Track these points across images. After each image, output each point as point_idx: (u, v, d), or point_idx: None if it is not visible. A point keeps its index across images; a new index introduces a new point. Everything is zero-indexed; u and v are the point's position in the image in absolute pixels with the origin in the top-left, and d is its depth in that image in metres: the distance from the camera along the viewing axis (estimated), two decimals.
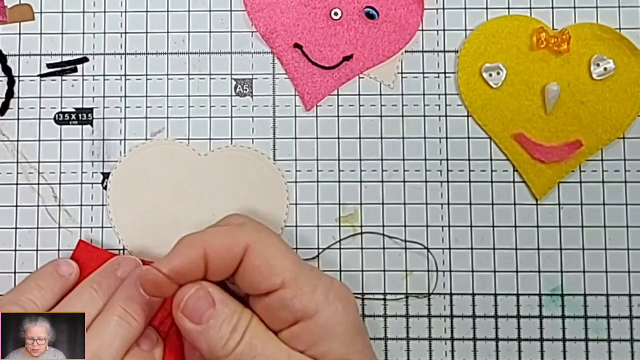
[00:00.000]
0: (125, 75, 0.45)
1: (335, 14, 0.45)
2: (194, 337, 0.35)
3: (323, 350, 0.35)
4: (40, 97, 0.45)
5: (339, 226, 0.44)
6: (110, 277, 0.40)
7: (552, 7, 0.45)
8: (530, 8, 0.45)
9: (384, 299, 0.44)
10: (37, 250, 0.44)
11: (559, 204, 0.44)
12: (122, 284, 0.39)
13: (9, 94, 0.45)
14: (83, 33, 0.45)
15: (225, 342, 0.35)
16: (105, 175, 0.44)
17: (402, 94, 0.45)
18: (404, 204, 0.44)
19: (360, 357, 0.36)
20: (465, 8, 0.45)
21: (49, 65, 0.45)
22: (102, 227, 0.44)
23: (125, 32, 0.45)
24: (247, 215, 0.39)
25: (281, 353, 0.35)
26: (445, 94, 0.45)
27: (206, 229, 0.37)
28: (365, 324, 0.38)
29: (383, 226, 0.44)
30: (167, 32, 0.45)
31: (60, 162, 0.45)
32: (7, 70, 0.45)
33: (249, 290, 0.36)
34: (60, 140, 0.45)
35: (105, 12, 0.46)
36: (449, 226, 0.44)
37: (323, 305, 0.35)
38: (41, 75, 0.45)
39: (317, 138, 0.45)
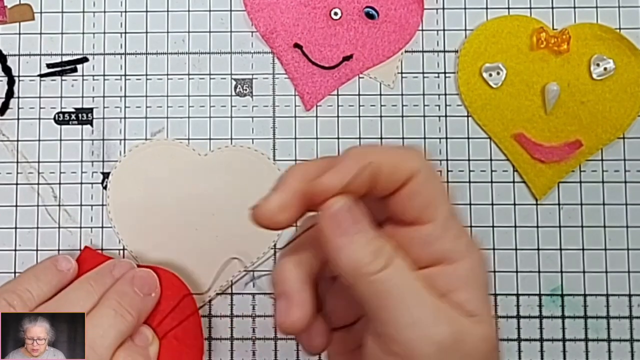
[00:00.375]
0: (125, 75, 0.45)
1: (335, 14, 0.45)
2: (336, 250, 0.32)
3: (461, 299, 0.32)
4: (40, 97, 0.45)
5: None
6: (105, 275, 0.40)
7: (552, 7, 0.45)
8: (530, 8, 0.45)
9: None
10: (37, 250, 0.44)
11: (559, 204, 0.44)
12: (118, 281, 0.40)
13: (9, 94, 0.45)
14: (83, 33, 0.45)
15: (368, 262, 0.32)
16: (105, 175, 0.44)
17: (402, 94, 0.45)
18: None
19: (488, 316, 0.33)
20: (465, 8, 0.45)
21: (49, 65, 0.45)
22: (102, 227, 0.44)
23: (125, 32, 0.45)
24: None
25: (424, 290, 0.32)
26: (445, 94, 0.45)
27: (371, 145, 0.36)
28: None
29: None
30: (167, 32, 0.45)
31: (60, 162, 0.45)
32: (7, 70, 0.45)
33: (397, 214, 0.33)
34: (60, 140, 0.45)
35: (105, 12, 0.46)
36: None
37: (465, 254, 0.32)
38: (41, 75, 0.45)
39: (317, 138, 0.45)
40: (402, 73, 0.45)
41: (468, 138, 0.45)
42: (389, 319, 0.31)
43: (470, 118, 0.45)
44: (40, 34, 0.45)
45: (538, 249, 0.44)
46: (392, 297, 0.32)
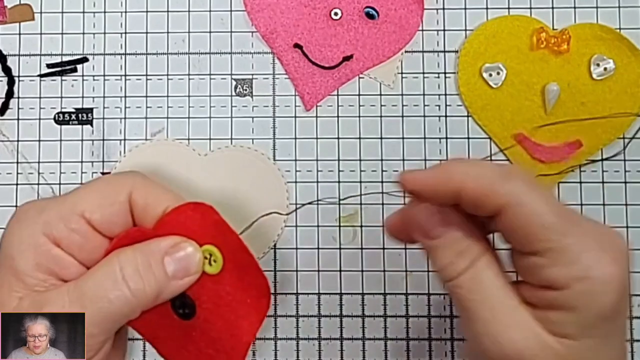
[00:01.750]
0: (125, 75, 0.45)
1: (335, 14, 0.45)
2: (427, 251, 0.34)
3: (554, 319, 0.31)
4: (40, 97, 0.45)
5: (339, 226, 0.44)
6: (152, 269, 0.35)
7: (552, 7, 0.45)
8: (530, 8, 0.45)
9: (384, 299, 0.44)
10: None
11: None
12: (149, 243, 0.35)
13: (9, 94, 0.45)
14: (83, 33, 0.46)
15: (448, 265, 0.33)
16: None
17: (402, 94, 0.45)
18: (404, 204, 0.44)
19: (591, 344, 0.32)
20: (465, 8, 0.45)
21: (49, 66, 0.45)
22: None
23: (125, 32, 0.45)
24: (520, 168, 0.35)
25: (505, 303, 0.32)
26: (445, 94, 0.45)
27: (472, 163, 0.34)
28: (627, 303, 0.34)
29: (383, 226, 0.44)
30: (167, 32, 0.45)
31: (60, 162, 0.45)
32: (7, 70, 0.45)
33: (505, 240, 0.34)
34: (60, 140, 0.45)
35: (105, 12, 0.46)
36: None
37: (576, 281, 0.31)
38: (41, 75, 0.45)
39: (317, 138, 0.45)
40: (402, 73, 0.45)
41: (468, 138, 0.45)
42: (470, 319, 0.32)
43: (470, 118, 0.45)
44: (40, 34, 0.45)
45: None
46: (471, 299, 0.32)
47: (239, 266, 0.36)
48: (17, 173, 0.45)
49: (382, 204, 0.44)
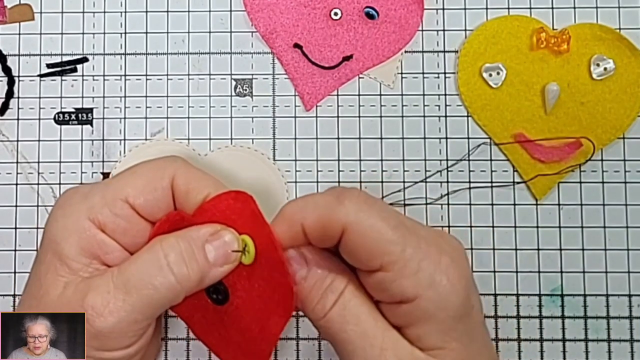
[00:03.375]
0: (125, 75, 0.45)
1: (335, 14, 0.45)
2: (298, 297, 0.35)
3: (419, 333, 0.33)
4: (40, 97, 0.45)
5: None
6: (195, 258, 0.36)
7: (552, 7, 0.45)
8: (530, 8, 0.45)
9: None
10: (37, 250, 0.44)
11: (559, 204, 0.44)
12: (190, 230, 0.36)
13: (9, 94, 0.45)
14: (83, 33, 0.45)
15: (317, 304, 0.34)
16: (105, 175, 0.44)
17: (402, 94, 0.45)
18: (404, 204, 0.44)
19: (457, 346, 0.33)
20: (465, 8, 0.45)
21: (49, 65, 0.45)
22: None
23: (125, 32, 0.45)
24: (356, 189, 0.35)
25: (376, 327, 0.33)
26: (445, 94, 0.45)
27: (307, 198, 0.34)
28: (478, 301, 0.35)
29: None
30: (167, 32, 0.45)
31: (60, 162, 0.45)
32: (7, 70, 0.45)
33: (352, 264, 0.34)
34: (60, 140, 0.45)
35: (105, 12, 0.46)
36: (449, 226, 0.44)
37: (425, 289, 0.32)
38: (41, 75, 0.45)
39: (317, 138, 0.45)
40: (402, 73, 0.45)
41: (468, 138, 0.45)
42: (346, 351, 0.33)
43: (470, 118, 0.45)
44: (40, 34, 0.45)
45: (538, 249, 0.44)
46: (344, 330, 0.33)
47: (270, 261, 0.36)
48: (17, 173, 0.45)
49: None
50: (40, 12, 0.46)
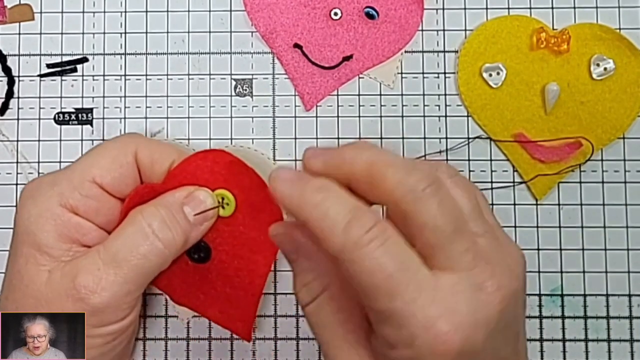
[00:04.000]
0: (125, 75, 0.45)
1: (335, 14, 0.45)
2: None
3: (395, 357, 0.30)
4: (40, 97, 0.45)
5: None
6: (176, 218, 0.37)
7: (552, 7, 0.45)
8: (530, 8, 0.45)
9: None
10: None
11: (559, 204, 0.44)
12: (167, 194, 0.37)
13: (9, 94, 0.45)
14: (83, 33, 0.45)
15: (299, 292, 0.33)
16: None
17: (402, 94, 0.45)
18: None
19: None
20: (465, 8, 0.45)
21: (49, 65, 0.45)
22: None
23: (125, 32, 0.45)
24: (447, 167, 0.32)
25: (342, 340, 0.32)
26: (445, 94, 0.45)
27: (376, 152, 0.31)
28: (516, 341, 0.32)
29: None
30: (167, 32, 0.45)
31: (60, 162, 0.45)
32: (7, 70, 0.45)
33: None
34: (60, 140, 0.45)
35: (105, 12, 0.46)
36: None
37: (402, 346, 0.29)
38: (41, 75, 0.45)
39: (317, 138, 0.45)
40: (402, 73, 0.45)
41: (468, 138, 0.45)
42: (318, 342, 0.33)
43: (470, 118, 0.45)
44: (40, 34, 0.45)
45: (538, 249, 0.44)
46: (315, 328, 0.33)
47: (254, 203, 0.38)
48: (17, 173, 0.45)
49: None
50: (40, 12, 0.46)
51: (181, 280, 0.39)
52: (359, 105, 0.45)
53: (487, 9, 0.45)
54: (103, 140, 0.45)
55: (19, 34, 0.45)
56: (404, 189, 0.29)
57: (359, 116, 0.45)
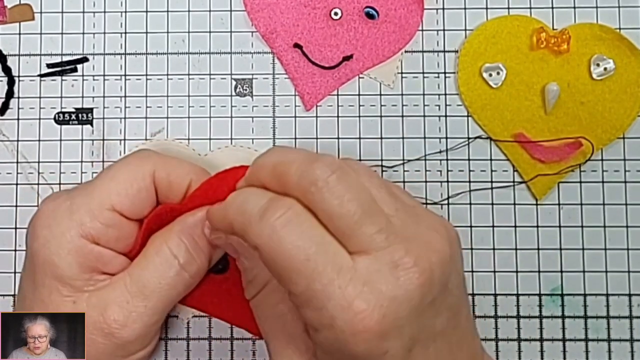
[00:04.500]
0: (125, 75, 0.45)
1: (335, 14, 0.45)
2: None
3: (318, 356, 0.32)
4: (40, 97, 0.45)
5: None
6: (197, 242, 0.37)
7: (552, 7, 0.45)
8: (530, 8, 0.45)
9: None
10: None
11: (559, 204, 0.44)
12: (187, 217, 0.37)
13: (9, 94, 0.45)
14: (83, 33, 0.45)
15: (245, 287, 0.35)
16: None
17: (402, 94, 0.45)
18: None
19: None
20: (465, 8, 0.45)
21: (49, 65, 0.45)
22: None
23: (125, 32, 0.45)
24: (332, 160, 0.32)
25: (281, 332, 0.34)
26: (445, 94, 0.45)
27: (289, 153, 0.33)
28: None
29: None
30: (167, 32, 0.45)
31: (60, 162, 0.45)
32: (7, 70, 0.45)
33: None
34: (60, 140, 0.45)
35: (105, 12, 0.46)
36: None
37: (323, 327, 0.30)
38: (41, 75, 0.45)
39: (317, 138, 0.45)
40: (402, 73, 0.45)
41: (468, 138, 0.45)
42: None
43: (470, 118, 0.45)
44: (40, 34, 0.45)
45: (538, 249, 0.44)
46: (260, 321, 0.35)
47: None
48: (17, 173, 0.45)
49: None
50: (40, 12, 0.46)
51: (212, 295, 0.40)
52: (359, 105, 0.45)
53: (487, 9, 0.45)
54: (103, 140, 0.45)
55: (19, 34, 0.45)
56: (307, 181, 0.30)
57: (359, 116, 0.45)
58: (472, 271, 0.44)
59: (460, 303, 0.34)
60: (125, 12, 0.46)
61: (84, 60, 0.45)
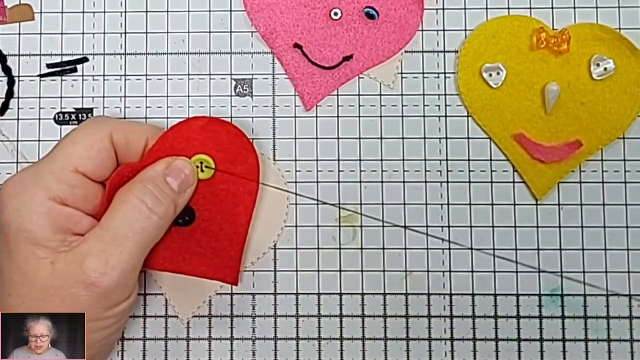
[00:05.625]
0: (125, 75, 0.45)
1: (335, 14, 0.45)
2: None
3: None
4: (40, 97, 0.45)
5: (339, 226, 0.44)
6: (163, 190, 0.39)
7: (552, 7, 0.45)
8: (530, 8, 0.45)
9: (384, 299, 0.44)
10: None
11: (559, 204, 0.44)
12: (149, 168, 0.39)
13: (9, 94, 0.45)
14: (83, 33, 0.45)
15: None
16: None
17: (402, 94, 0.45)
18: (404, 204, 0.44)
19: None
20: (465, 8, 0.45)
21: (49, 65, 0.45)
22: None
23: (125, 32, 0.45)
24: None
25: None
26: (445, 94, 0.45)
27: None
28: None
29: (383, 227, 0.44)
30: (167, 32, 0.45)
31: None
32: (7, 70, 0.45)
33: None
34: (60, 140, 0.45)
35: (105, 12, 0.46)
36: (448, 226, 0.44)
37: None
38: (41, 75, 0.45)
39: (317, 138, 0.45)
40: (402, 73, 0.45)
41: (468, 138, 0.45)
42: None
43: (470, 118, 0.45)
44: (40, 34, 0.45)
45: (538, 249, 0.44)
46: None
47: (232, 156, 0.41)
48: None
49: (382, 204, 0.44)
50: (40, 12, 0.46)
51: (165, 247, 0.41)
52: (359, 105, 0.45)
53: (487, 9, 0.45)
54: None
55: (19, 34, 0.45)
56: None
57: (359, 116, 0.45)
58: (472, 271, 0.44)
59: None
60: (125, 12, 0.46)
61: (84, 60, 0.45)
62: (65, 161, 0.38)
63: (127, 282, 0.37)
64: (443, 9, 0.45)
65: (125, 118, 0.45)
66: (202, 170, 0.40)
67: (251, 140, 0.41)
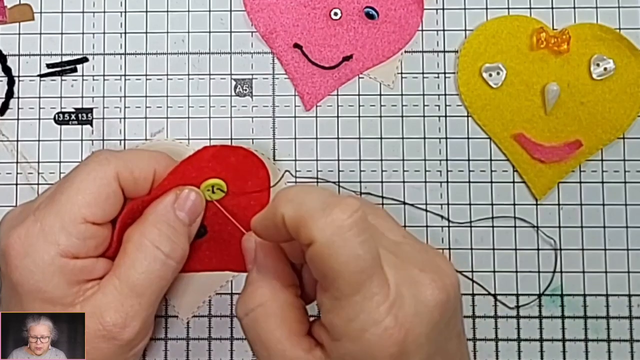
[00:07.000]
0: (125, 75, 0.45)
1: (335, 14, 0.45)
2: None
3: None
4: (40, 97, 0.45)
5: None
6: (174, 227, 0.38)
7: (552, 7, 0.45)
8: (530, 8, 0.45)
9: None
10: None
11: (558, 204, 0.44)
12: (158, 204, 0.38)
13: (9, 94, 0.45)
14: (83, 33, 0.45)
15: (239, 298, 0.35)
16: None
17: (402, 94, 0.45)
18: (404, 204, 0.44)
19: None
20: (465, 8, 0.45)
21: (48, 65, 0.45)
22: None
23: (125, 32, 0.45)
24: (355, 199, 0.32)
25: (282, 354, 0.33)
26: (445, 94, 0.45)
27: (299, 192, 0.32)
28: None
29: None
30: (167, 32, 0.45)
31: (60, 162, 0.45)
32: (7, 70, 0.45)
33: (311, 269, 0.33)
34: (60, 140, 0.45)
35: (105, 12, 0.46)
36: (448, 226, 0.44)
37: (347, 340, 0.30)
38: (41, 75, 0.45)
39: (317, 138, 0.45)
40: (402, 73, 0.45)
41: (468, 138, 0.45)
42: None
43: (470, 118, 0.45)
44: (40, 34, 0.45)
45: (538, 249, 0.44)
46: (250, 338, 0.34)
47: (242, 174, 0.41)
48: (17, 173, 0.45)
49: (382, 204, 0.44)
50: (40, 12, 0.46)
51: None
52: (359, 105, 0.45)
53: (487, 9, 0.45)
54: (103, 140, 0.45)
55: (19, 34, 0.45)
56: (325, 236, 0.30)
57: (359, 116, 0.45)
58: (472, 271, 0.44)
59: (462, 331, 0.35)
60: (125, 12, 0.46)
61: (84, 60, 0.45)
62: (73, 213, 0.36)
63: (146, 327, 0.37)
64: (443, 9, 0.45)
65: (125, 118, 0.45)
66: (213, 192, 0.40)
67: (261, 155, 0.41)
